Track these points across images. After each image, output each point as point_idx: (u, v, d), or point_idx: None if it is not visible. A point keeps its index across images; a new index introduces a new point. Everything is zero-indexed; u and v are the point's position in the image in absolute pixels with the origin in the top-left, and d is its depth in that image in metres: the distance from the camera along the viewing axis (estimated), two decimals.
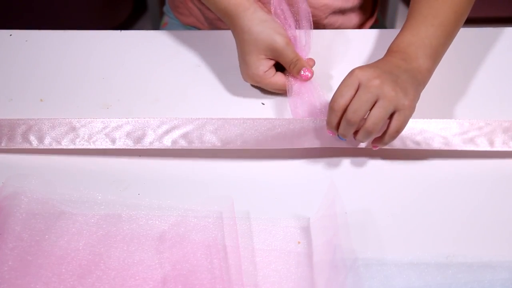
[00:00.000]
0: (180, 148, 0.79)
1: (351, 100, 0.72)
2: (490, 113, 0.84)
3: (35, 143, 0.80)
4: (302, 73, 0.83)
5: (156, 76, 0.90)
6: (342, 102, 0.72)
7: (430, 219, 0.74)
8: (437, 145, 0.78)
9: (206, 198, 0.75)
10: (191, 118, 0.80)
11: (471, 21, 0.91)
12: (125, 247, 0.70)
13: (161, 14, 1.24)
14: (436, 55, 0.79)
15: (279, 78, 0.85)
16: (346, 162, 0.80)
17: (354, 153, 0.80)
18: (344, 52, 0.92)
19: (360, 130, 0.73)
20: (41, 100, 0.87)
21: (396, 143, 0.78)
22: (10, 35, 0.96)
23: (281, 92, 0.86)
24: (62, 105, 0.86)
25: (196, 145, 0.79)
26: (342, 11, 1.01)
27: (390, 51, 0.79)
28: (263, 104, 0.85)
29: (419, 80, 0.75)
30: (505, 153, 0.80)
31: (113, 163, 0.80)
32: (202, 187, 0.77)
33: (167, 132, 0.79)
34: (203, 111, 0.85)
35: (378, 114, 0.71)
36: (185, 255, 0.69)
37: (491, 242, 0.71)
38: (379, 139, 0.75)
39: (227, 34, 0.91)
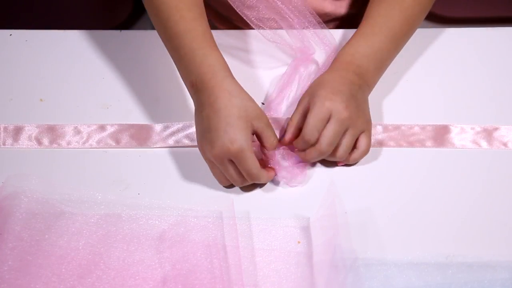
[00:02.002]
0: (183, 146, 0.80)
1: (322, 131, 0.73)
2: (490, 114, 0.83)
3: (43, 145, 0.82)
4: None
5: (156, 76, 0.90)
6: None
7: (430, 219, 0.74)
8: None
9: (206, 198, 0.75)
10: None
11: (471, 21, 0.91)
12: (125, 246, 0.70)
13: None
14: (384, 68, 0.81)
15: (255, 159, 0.73)
16: None
17: None
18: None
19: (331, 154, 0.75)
20: (41, 100, 0.87)
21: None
22: (10, 35, 0.96)
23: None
24: (62, 105, 0.86)
25: None
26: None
27: (343, 61, 0.79)
28: (263, 104, 0.85)
29: (367, 95, 0.79)
30: (504, 154, 0.80)
31: (113, 163, 0.80)
32: (202, 187, 0.77)
33: (171, 134, 0.81)
34: None
35: (346, 142, 0.75)
36: (185, 255, 0.69)
37: (491, 242, 0.71)
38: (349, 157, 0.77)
39: (227, 34, 0.91)
